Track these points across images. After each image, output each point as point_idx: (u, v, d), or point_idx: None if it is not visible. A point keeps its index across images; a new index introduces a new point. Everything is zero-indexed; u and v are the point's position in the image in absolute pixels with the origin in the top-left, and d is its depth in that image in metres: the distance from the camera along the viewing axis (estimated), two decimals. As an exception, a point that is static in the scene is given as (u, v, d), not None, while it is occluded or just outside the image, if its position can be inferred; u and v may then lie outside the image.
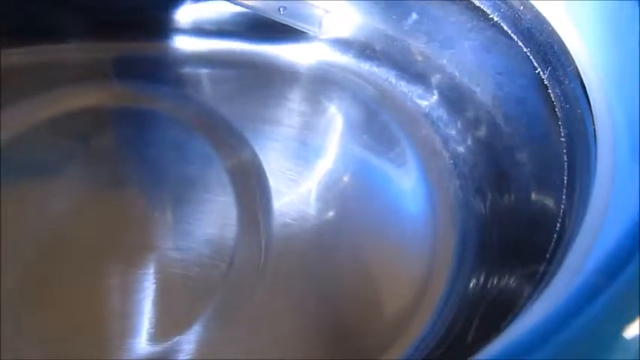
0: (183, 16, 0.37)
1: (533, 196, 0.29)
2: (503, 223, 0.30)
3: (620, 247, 0.18)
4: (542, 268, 0.24)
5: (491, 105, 0.32)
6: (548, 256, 0.24)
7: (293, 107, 0.36)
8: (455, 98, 0.34)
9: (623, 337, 0.16)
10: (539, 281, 0.23)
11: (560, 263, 0.20)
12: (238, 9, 0.37)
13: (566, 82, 0.27)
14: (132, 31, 0.37)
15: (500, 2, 0.30)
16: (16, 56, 0.36)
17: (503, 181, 0.31)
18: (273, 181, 0.32)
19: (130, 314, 0.28)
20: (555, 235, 0.25)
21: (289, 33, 0.37)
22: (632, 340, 0.16)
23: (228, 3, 0.36)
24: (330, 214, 0.32)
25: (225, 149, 0.34)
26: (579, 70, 0.27)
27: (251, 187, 0.32)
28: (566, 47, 0.28)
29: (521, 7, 0.30)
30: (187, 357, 0.27)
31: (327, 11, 0.36)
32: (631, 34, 0.24)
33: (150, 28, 0.37)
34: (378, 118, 0.36)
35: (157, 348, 0.27)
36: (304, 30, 0.37)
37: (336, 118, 0.36)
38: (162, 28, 0.37)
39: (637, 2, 0.25)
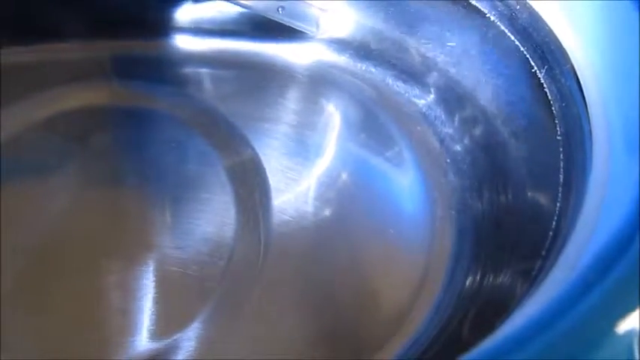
0: (182, 15, 0.37)
1: (530, 193, 0.29)
2: (499, 221, 0.30)
3: (615, 244, 0.18)
4: (537, 265, 0.24)
5: (488, 104, 0.32)
6: (544, 253, 0.24)
7: (291, 106, 0.36)
8: (452, 97, 0.34)
9: (616, 333, 0.16)
10: (534, 278, 0.23)
11: (555, 260, 0.20)
12: (237, 9, 0.37)
13: (563, 81, 0.27)
14: (131, 30, 0.37)
15: (496, 1, 0.31)
16: (15, 55, 0.36)
17: (500, 179, 0.31)
18: (272, 180, 0.33)
19: (130, 312, 0.28)
20: (551, 233, 0.25)
21: (288, 33, 0.37)
22: (625, 335, 0.16)
23: (227, 3, 0.36)
24: (328, 212, 0.32)
25: (224, 148, 0.34)
26: (575, 68, 0.27)
27: (250, 186, 0.32)
28: (562, 46, 0.28)
29: (518, 6, 0.30)
30: (187, 354, 0.27)
31: (322, 10, 0.36)
32: (627, 32, 0.24)
33: (149, 27, 0.37)
34: (375, 117, 0.36)
35: (157, 345, 0.27)
36: (302, 30, 0.37)
37: (333, 117, 0.36)
38: (161, 28, 0.37)
39: (632, 0, 0.25)
